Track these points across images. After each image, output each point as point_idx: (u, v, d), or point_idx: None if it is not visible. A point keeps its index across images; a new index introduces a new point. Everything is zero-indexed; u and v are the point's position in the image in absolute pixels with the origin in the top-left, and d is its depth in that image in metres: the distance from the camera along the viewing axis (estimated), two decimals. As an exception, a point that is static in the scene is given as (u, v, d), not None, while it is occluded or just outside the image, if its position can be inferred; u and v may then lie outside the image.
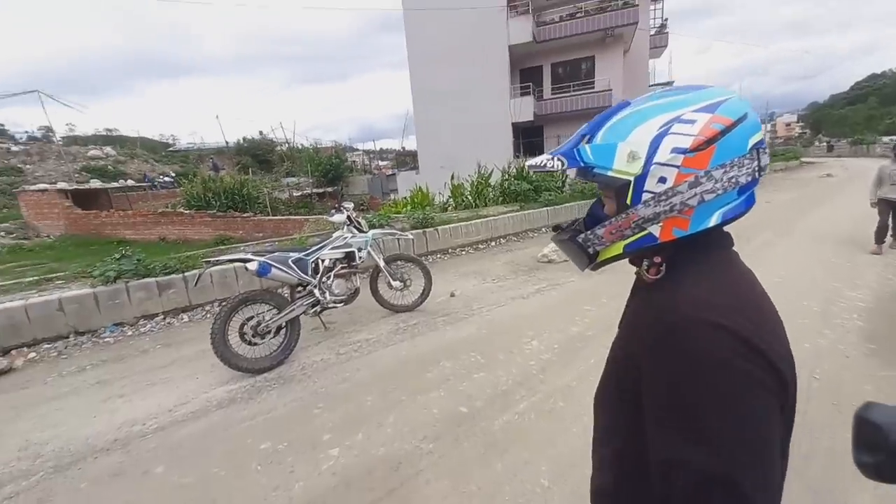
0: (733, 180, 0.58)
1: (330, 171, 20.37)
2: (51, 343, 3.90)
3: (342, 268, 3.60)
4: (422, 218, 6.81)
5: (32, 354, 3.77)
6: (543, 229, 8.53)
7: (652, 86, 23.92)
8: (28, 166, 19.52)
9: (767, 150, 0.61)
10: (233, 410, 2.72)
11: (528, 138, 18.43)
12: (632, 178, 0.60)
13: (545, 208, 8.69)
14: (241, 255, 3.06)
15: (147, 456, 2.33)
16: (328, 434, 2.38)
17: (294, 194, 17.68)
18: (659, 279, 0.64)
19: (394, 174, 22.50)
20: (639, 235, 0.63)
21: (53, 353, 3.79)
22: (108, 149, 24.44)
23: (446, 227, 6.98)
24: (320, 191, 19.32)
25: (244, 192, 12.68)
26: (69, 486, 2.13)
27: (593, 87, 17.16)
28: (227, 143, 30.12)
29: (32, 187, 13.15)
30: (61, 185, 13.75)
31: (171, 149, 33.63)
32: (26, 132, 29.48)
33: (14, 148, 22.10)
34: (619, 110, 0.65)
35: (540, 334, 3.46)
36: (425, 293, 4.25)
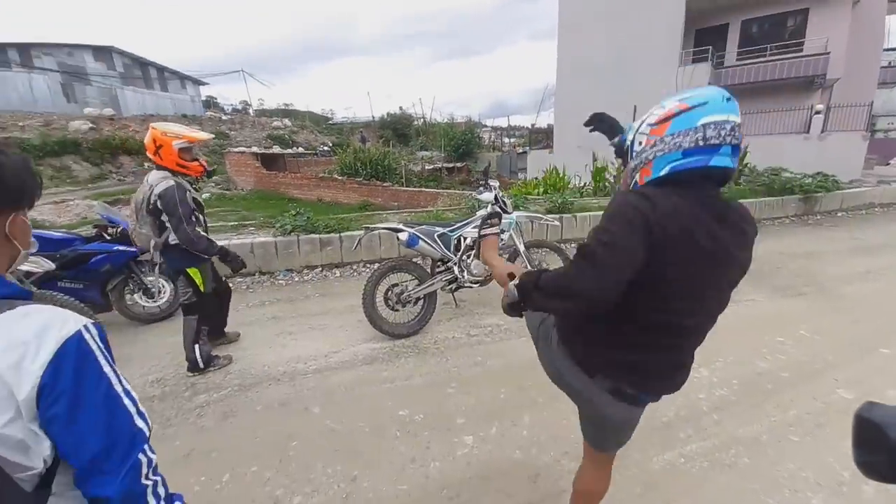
0: (678, 144, 0.93)
1: (461, 147, 20.82)
2: (243, 278, 4.79)
3: (482, 248, 3.52)
4: (560, 202, 6.34)
5: (231, 284, 4.69)
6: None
7: (887, 50, 17.87)
8: (232, 132, 24.58)
9: (723, 129, 0.90)
10: (376, 368, 2.90)
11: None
12: (628, 143, 1.08)
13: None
14: (394, 225, 3.21)
15: (307, 394, 2.64)
16: (462, 418, 2.34)
17: (426, 167, 18.61)
18: None
19: (524, 152, 21.86)
20: (632, 182, 1.05)
21: (244, 287, 4.64)
22: (286, 120, 29.25)
23: (585, 214, 6.38)
24: (450, 165, 19.95)
25: (385, 163, 13.80)
26: (248, 407, 2.53)
27: (801, 51, 13.42)
28: (373, 117, 33.18)
29: (235, 149, 16.53)
30: (254, 148, 16.94)
31: (329, 122, 38.64)
32: (231, 105, 37.19)
33: (224, 117, 28.01)
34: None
35: (710, 361, 2.85)
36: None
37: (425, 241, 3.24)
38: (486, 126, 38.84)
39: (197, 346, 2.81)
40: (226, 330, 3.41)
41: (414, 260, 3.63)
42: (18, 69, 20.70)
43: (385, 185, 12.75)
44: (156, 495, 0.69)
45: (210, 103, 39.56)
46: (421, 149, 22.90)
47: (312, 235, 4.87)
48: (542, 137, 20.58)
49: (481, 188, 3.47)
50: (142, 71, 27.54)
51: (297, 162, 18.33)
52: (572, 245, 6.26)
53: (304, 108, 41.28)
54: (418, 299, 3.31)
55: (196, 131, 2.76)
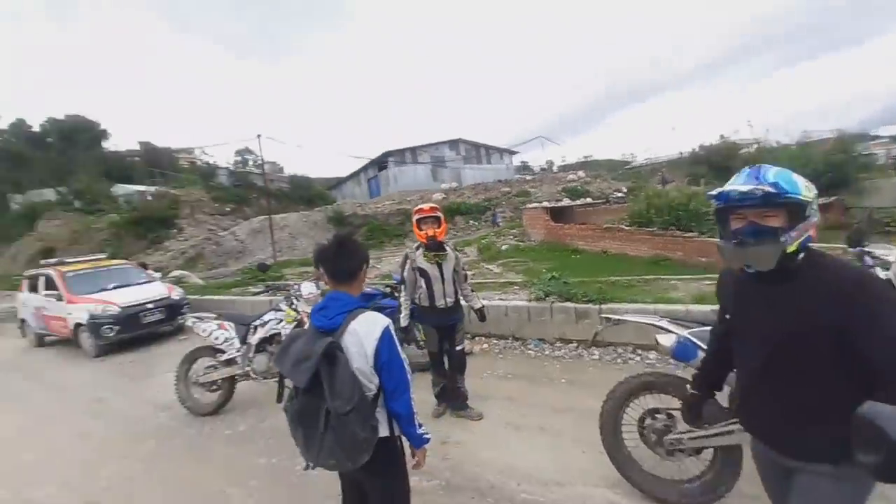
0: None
1: (826, 173, 14.36)
2: (497, 340, 4.69)
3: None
4: None
5: (485, 345, 4.67)
6: None
7: None
8: (533, 189, 27.73)
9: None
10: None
11: None
12: (810, 200, 1.07)
13: None
14: (654, 320, 2.07)
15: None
16: None
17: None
18: (802, 263, 1.08)
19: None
20: (805, 236, 1.07)
21: (496, 351, 4.51)
22: (580, 172, 30.32)
23: None
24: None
25: (690, 206, 11.23)
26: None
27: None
28: (680, 153, 29.00)
29: (530, 205, 18.31)
30: (545, 203, 18.18)
31: (627, 166, 36.95)
32: (539, 166, 42.98)
33: (529, 177, 32.15)
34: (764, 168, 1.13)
35: None
36: None
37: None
38: (882, 137, 26.05)
39: (432, 385, 3.24)
40: (469, 403, 3.23)
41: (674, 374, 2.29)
42: (410, 164, 31.94)
43: (688, 235, 10.31)
44: (416, 419, 1.47)
45: (524, 167, 47.59)
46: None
47: (567, 304, 4.20)
48: None
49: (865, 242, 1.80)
50: (476, 151, 36.18)
51: (585, 212, 18.18)
52: None
53: (604, 158, 41.70)
54: (698, 449, 1.96)
55: (425, 203, 3.14)
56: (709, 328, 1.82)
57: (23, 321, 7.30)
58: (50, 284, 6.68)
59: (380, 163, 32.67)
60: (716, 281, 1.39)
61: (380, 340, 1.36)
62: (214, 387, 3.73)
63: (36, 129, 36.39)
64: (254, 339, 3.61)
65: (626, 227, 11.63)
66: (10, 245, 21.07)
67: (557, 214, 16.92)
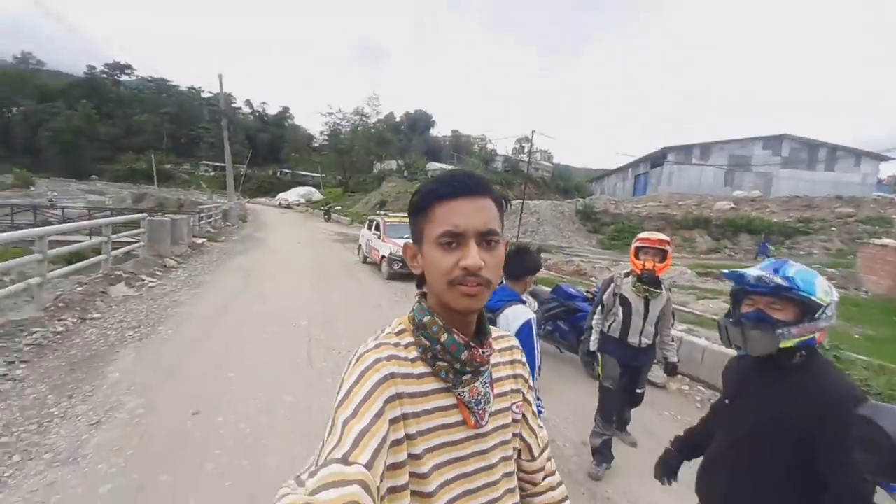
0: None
1: None
2: (705, 388, 3.90)
3: None
4: None
5: (686, 386, 3.99)
6: None
7: None
8: (905, 217, 18.07)
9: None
10: None
11: None
12: (824, 304, 1.08)
13: None
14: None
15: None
16: None
17: None
18: (801, 364, 1.12)
19: None
20: (808, 337, 1.08)
21: (697, 397, 3.80)
22: None
23: None
24: None
25: None
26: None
27: None
28: None
29: (878, 241, 12.23)
30: (912, 241, 11.73)
31: None
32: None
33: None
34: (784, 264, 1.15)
35: None
36: None
37: None
38: None
39: (591, 433, 2.76)
40: (628, 428, 3.08)
41: None
42: (697, 163, 26.74)
43: None
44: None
45: None
46: None
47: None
48: None
49: None
50: (809, 153, 26.45)
51: None
52: None
53: None
54: None
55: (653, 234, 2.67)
56: None
57: (359, 246, 11.39)
58: (377, 227, 10.11)
59: (654, 159, 28.88)
60: None
61: (521, 328, 1.70)
62: None
63: (397, 119, 52.87)
64: None
65: None
66: (366, 194, 32.05)
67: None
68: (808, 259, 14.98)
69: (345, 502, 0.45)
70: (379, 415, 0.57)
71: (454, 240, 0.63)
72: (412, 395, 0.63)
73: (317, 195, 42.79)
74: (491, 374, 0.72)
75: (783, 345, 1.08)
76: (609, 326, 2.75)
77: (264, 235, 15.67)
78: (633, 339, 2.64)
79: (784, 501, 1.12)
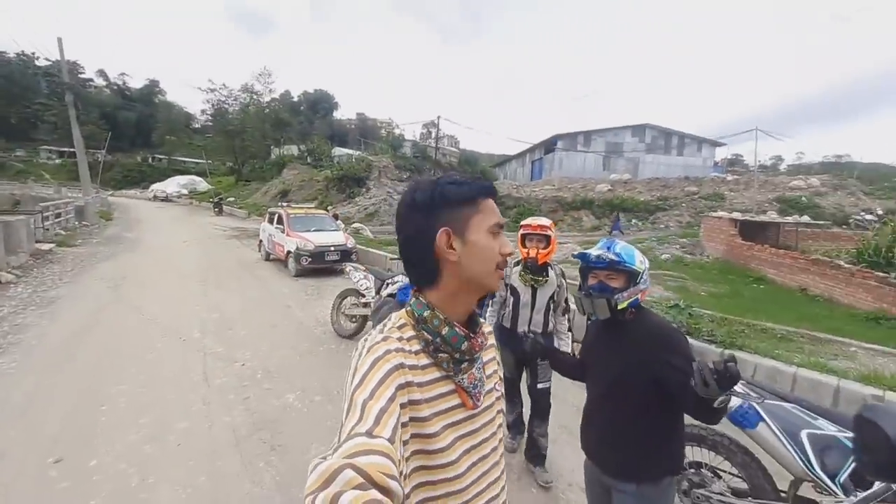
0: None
1: None
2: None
3: None
4: None
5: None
6: None
7: None
8: (732, 194, 22.61)
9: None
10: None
11: None
12: (643, 270, 1.43)
13: None
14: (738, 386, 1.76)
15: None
16: None
17: None
18: (636, 318, 1.45)
19: None
20: (635, 297, 1.42)
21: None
22: (813, 179, 23.08)
23: None
24: None
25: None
26: None
27: None
28: None
29: (715, 214, 15.22)
30: (735, 214, 14.84)
31: (901, 178, 26.17)
32: (758, 162, 33.76)
33: (728, 178, 26.26)
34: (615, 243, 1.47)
35: None
36: None
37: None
38: None
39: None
40: (546, 464, 2.71)
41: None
42: (581, 150, 29.95)
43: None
44: None
45: (735, 162, 38.11)
46: None
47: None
48: None
49: None
50: (665, 140, 31.31)
51: (796, 234, 14.16)
52: None
53: (868, 161, 30.33)
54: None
55: (535, 219, 2.67)
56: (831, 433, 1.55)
57: (260, 242, 10.47)
58: (279, 220, 9.38)
59: (547, 146, 31.55)
60: None
61: None
62: (354, 319, 5.00)
63: (295, 99, 48.64)
64: (384, 293, 4.51)
65: (846, 265, 8.67)
66: (265, 184, 29.39)
67: (750, 230, 13.71)
68: (666, 232, 17.96)
69: (378, 469, 0.48)
70: (392, 398, 0.62)
71: (500, 231, 0.76)
72: (420, 385, 0.69)
73: (203, 185, 37.84)
74: (482, 358, 0.82)
75: (620, 306, 1.40)
76: (503, 317, 2.71)
77: (137, 235, 13.46)
78: (521, 329, 2.60)
79: (647, 433, 1.39)
